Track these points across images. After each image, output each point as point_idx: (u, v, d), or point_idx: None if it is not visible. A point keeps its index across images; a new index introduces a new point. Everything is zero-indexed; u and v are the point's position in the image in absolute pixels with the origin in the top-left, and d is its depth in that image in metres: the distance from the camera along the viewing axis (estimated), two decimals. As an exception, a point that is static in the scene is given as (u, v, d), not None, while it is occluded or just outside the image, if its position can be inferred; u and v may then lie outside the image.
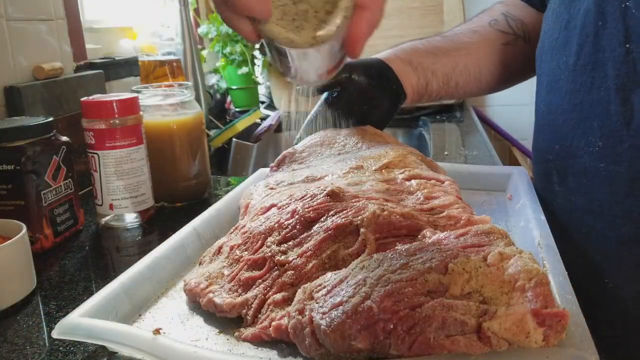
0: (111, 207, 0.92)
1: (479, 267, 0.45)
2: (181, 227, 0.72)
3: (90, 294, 0.68)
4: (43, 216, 0.82)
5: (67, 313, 0.53)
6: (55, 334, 0.51)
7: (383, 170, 0.74)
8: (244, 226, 0.65)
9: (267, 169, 0.93)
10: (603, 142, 0.68)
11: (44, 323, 0.64)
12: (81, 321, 0.51)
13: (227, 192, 0.87)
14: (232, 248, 0.63)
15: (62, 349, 0.57)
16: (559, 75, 0.75)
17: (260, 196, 0.73)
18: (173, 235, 0.69)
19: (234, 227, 0.69)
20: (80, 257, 0.82)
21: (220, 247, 0.65)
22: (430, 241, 0.54)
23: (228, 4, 0.44)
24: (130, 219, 0.94)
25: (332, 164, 0.79)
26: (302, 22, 0.46)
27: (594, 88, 0.68)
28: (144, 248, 0.83)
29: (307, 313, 0.47)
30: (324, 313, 0.45)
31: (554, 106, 0.77)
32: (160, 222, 0.96)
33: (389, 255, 0.49)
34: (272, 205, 0.66)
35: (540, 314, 0.40)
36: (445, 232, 0.55)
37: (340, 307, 0.44)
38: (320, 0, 0.46)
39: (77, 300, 0.68)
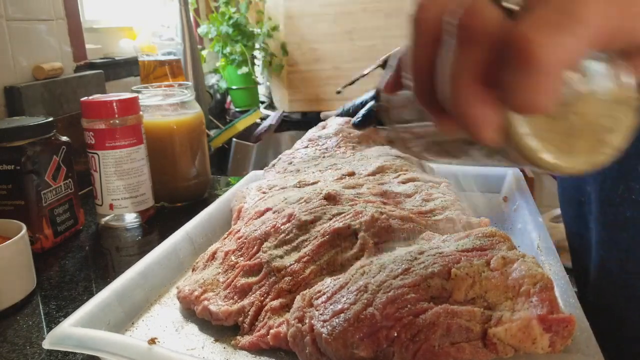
0: (111, 207, 0.92)
1: (482, 272, 0.45)
2: (181, 227, 0.72)
3: (91, 294, 0.68)
4: (43, 216, 0.81)
5: (67, 313, 0.52)
6: (46, 345, 0.49)
7: (377, 175, 0.74)
8: (239, 231, 0.64)
9: (260, 172, 0.93)
10: None
11: (44, 323, 0.63)
12: (73, 331, 0.49)
13: (227, 192, 0.87)
14: (226, 254, 0.62)
15: (62, 349, 0.56)
16: None
17: (254, 200, 0.73)
18: (165, 241, 0.68)
19: (227, 232, 0.68)
20: (80, 257, 0.82)
21: (214, 253, 0.64)
22: (430, 245, 0.53)
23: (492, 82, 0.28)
24: (130, 218, 0.93)
25: (323, 170, 0.79)
26: (571, 141, 0.31)
27: None
28: (144, 248, 0.83)
29: (307, 321, 0.46)
30: (324, 321, 0.45)
31: None
32: (160, 222, 0.96)
33: (390, 260, 0.49)
34: (267, 209, 0.65)
35: (547, 319, 0.40)
36: (446, 235, 0.55)
37: (342, 315, 0.44)
38: (598, 114, 0.31)
39: (77, 300, 0.68)
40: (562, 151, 0.30)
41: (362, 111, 0.64)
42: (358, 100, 0.77)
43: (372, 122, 0.61)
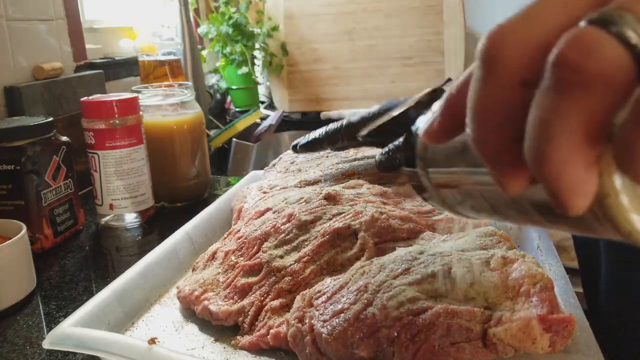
0: (111, 207, 0.92)
1: (482, 272, 0.45)
2: (181, 227, 0.72)
3: (91, 294, 0.68)
4: (43, 216, 0.81)
5: (67, 313, 0.52)
6: (46, 345, 0.49)
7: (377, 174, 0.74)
8: (239, 231, 0.64)
9: (260, 172, 0.93)
10: None
11: (44, 323, 0.63)
12: (73, 331, 0.49)
13: (227, 192, 0.87)
14: (226, 254, 0.62)
15: (62, 349, 0.56)
16: None
17: (254, 200, 0.73)
18: (165, 241, 0.68)
19: (228, 232, 0.68)
20: (80, 257, 0.82)
21: (215, 253, 0.64)
22: (430, 245, 0.53)
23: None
24: (130, 218, 0.93)
25: (324, 170, 0.79)
26: None
27: None
28: (144, 248, 0.83)
29: (307, 321, 0.46)
30: (324, 321, 0.45)
31: None
32: (160, 222, 0.96)
33: (390, 260, 0.49)
34: (268, 209, 0.65)
35: (547, 319, 0.40)
36: (446, 235, 0.55)
37: (342, 315, 0.44)
38: None
39: (77, 300, 0.68)
40: None
41: (387, 149, 0.61)
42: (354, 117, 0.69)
43: (398, 167, 0.59)
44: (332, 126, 0.69)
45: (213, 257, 0.64)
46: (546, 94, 0.22)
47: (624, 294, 0.63)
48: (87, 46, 1.29)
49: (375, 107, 0.68)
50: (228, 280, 0.58)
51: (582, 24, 0.22)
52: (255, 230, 0.62)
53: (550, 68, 0.22)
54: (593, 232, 0.26)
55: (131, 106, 0.91)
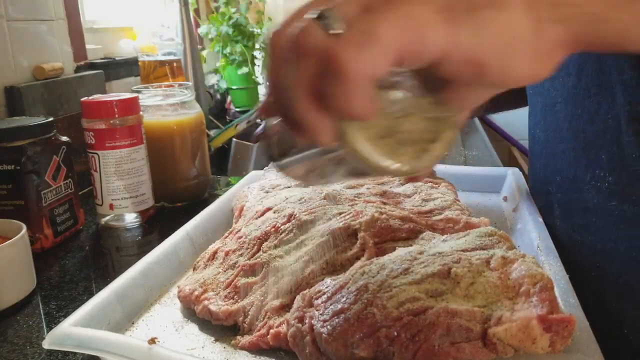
0: (111, 207, 0.92)
1: (482, 272, 0.45)
2: (181, 227, 0.72)
3: (91, 294, 0.68)
4: (43, 216, 0.81)
5: (67, 313, 0.52)
6: (46, 345, 0.48)
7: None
8: (239, 230, 0.64)
9: (260, 172, 0.93)
10: (614, 178, 0.59)
11: (44, 323, 0.63)
12: (73, 331, 0.49)
13: (227, 192, 0.87)
14: (227, 253, 0.62)
15: (62, 349, 0.56)
16: (555, 98, 0.67)
17: (255, 199, 0.73)
18: (165, 241, 0.68)
19: (228, 232, 0.68)
20: (80, 257, 0.82)
21: (215, 252, 0.64)
22: (430, 245, 0.53)
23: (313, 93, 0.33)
24: (130, 218, 0.93)
25: None
26: (398, 147, 0.36)
27: (600, 115, 0.59)
28: (144, 248, 0.83)
29: (307, 321, 0.46)
30: (324, 321, 0.44)
31: (551, 132, 0.69)
32: (160, 222, 0.96)
33: (390, 260, 0.49)
34: (268, 209, 0.65)
35: (547, 319, 0.40)
36: (446, 235, 0.55)
37: (342, 315, 0.44)
38: (422, 130, 0.38)
39: (77, 300, 0.68)
40: (389, 156, 0.35)
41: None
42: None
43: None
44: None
45: (214, 256, 0.64)
46: (290, 64, 0.33)
47: (583, 260, 0.66)
48: (88, 46, 1.29)
49: None
50: (228, 280, 0.58)
51: (305, 17, 0.33)
52: (256, 230, 0.62)
53: (289, 46, 0.33)
54: (358, 169, 0.37)
55: (131, 106, 0.91)
